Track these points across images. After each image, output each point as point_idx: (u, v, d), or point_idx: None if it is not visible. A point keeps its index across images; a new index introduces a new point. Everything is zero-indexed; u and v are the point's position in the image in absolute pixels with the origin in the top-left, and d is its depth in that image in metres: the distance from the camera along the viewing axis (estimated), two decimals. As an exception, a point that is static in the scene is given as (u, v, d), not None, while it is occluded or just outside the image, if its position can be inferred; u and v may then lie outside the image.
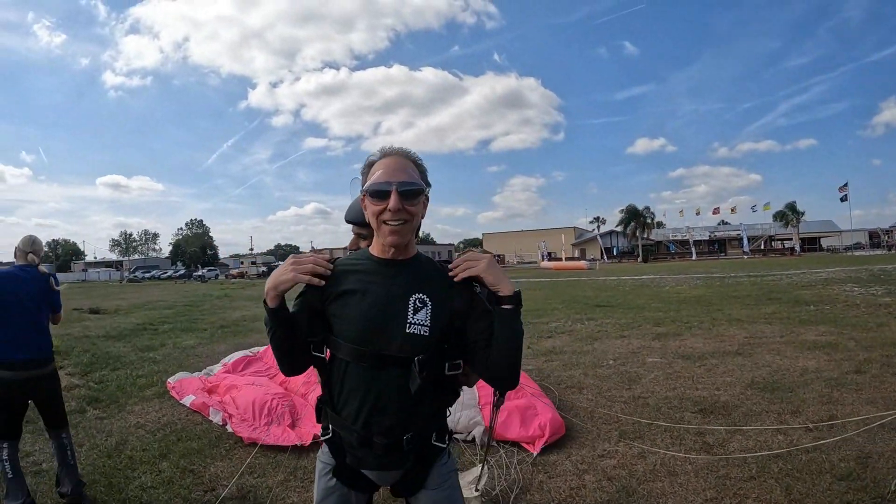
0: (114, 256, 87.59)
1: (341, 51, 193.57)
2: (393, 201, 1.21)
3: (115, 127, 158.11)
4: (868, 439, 3.43)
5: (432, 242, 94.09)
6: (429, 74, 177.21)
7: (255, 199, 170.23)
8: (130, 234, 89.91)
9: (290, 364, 1.35)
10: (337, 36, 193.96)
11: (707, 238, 68.63)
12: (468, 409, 3.81)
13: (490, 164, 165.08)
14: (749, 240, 62.14)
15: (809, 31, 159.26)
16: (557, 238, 72.01)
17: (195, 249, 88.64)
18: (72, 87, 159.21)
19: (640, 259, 60.28)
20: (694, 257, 60.56)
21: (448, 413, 1.40)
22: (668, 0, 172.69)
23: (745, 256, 56.37)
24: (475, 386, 1.69)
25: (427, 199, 1.33)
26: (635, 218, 62.59)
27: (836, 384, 4.77)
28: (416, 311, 1.24)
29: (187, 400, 4.82)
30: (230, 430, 4.04)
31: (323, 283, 1.27)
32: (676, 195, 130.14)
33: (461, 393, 1.40)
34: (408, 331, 1.23)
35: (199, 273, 59.10)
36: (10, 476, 2.77)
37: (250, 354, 6.05)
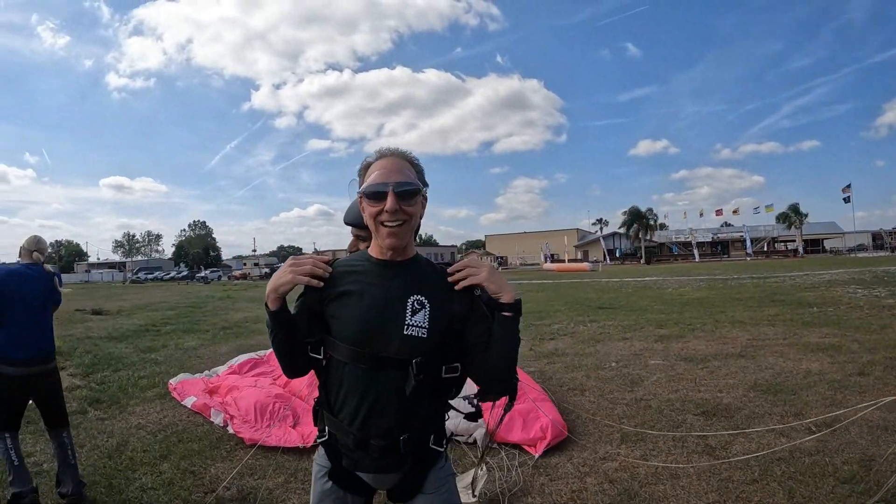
0: (117, 258, 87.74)
1: (344, 52, 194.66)
2: (390, 202, 1.21)
3: (119, 128, 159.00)
4: (871, 442, 3.41)
5: (435, 244, 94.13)
6: (431, 76, 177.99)
7: (258, 200, 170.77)
8: (133, 236, 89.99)
9: (292, 366, 1.35)
10: (340, 38, 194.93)
11: (710, 240, 68.38)
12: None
13: (493, 165, 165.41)
14: (752, 241, 61.89)
15: (812, 33, 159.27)
16: (560, 240, 71.89)
17: (198, 251, 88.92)
18: (75, 88, 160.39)
19: (642, 261, 60.05)
20: (697, 259, 60.39)
21: (447, 417, 1.39)
22: (671, 1, 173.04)
23: (748, 258, 56.14)
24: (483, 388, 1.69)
25: (425, 200, 1.33)
26: (638, 220, 62.37)
27: (839, 386, 4.75)
28: (414, 312, 1.23)
29: (188, 401, 4.82)
30: (231, 431, 4.04)
31: (322, 284, 1.27)
32: (679, 197, 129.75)
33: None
34: (405, 332, 1.22)
35: (202, 274, 59.20)
36: (15, 464, 2.81)
37: (257, 357, 6.05)
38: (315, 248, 71.62)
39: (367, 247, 1.36)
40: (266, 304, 1.27)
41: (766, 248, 65.33)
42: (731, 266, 37.98)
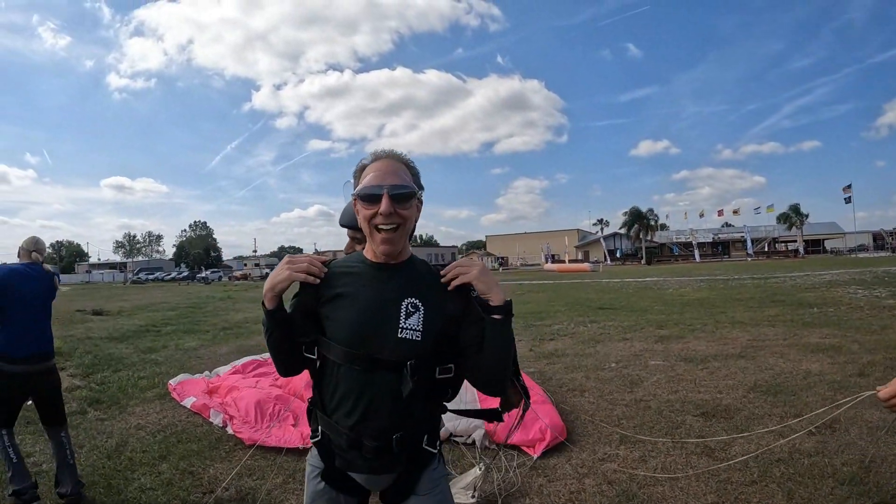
0: (118, 258, 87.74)
1: (345, 53, 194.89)
2: (384, 205, 1.20)
3: (120, 129, 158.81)
4: (871, 443, 3.40)
5: (436, 245, 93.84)
6: (432, 77, 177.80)
7: (258, 200, 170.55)
8: (134, 236, 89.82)
9: (286, 364, 1.35)
10: (340, 38, 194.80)
11: (710, 240, 68.36)
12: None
13: (493, 166, 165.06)
14: (753, 242, 61.89)
15: (813, 33, 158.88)
16: (561, 240, 71.89)
17: (199, 251, 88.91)
18: (76, 89, 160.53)
19: (643, 261, 60.06)
20: (697, 259, 60.38)
21: (442, 425, 1.39)
22: (672, 2, 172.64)
23: (749, 258, 56.14)
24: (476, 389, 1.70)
25: (420, 203, 1.32)
26: (639, 220, 62.33)
27: (839, 387, 4.74)
28: (408, 315, 1.23)
29: (188, 401, 4.82)
30: (230, 431, 4.04)
31: (318, 281, 1.27)
32: (680, 197, 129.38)
33: (462, 395, 1.39)
34: (399, 336, 1.22)
35: (203, 275, 59.30)
36: (14, 461, 2.83)
37: (260, 360, 6.04)
38: (315, 249, 71.60)
39: (363, 248, 1.36)
40: (262, 303, 1.27)
41: (766, 249, 65.29)
42: (732, 266, 37.95)
